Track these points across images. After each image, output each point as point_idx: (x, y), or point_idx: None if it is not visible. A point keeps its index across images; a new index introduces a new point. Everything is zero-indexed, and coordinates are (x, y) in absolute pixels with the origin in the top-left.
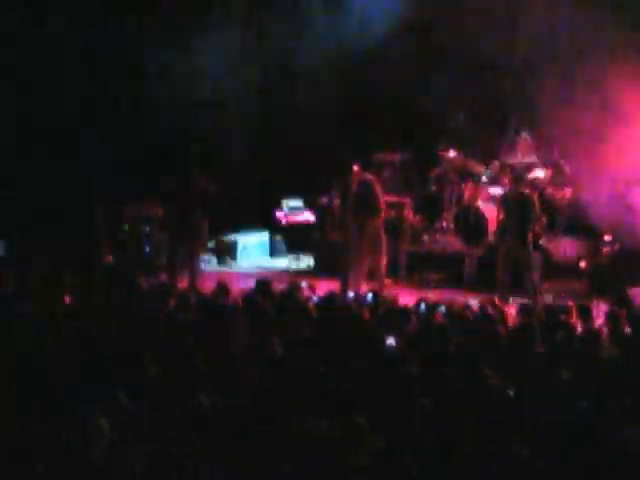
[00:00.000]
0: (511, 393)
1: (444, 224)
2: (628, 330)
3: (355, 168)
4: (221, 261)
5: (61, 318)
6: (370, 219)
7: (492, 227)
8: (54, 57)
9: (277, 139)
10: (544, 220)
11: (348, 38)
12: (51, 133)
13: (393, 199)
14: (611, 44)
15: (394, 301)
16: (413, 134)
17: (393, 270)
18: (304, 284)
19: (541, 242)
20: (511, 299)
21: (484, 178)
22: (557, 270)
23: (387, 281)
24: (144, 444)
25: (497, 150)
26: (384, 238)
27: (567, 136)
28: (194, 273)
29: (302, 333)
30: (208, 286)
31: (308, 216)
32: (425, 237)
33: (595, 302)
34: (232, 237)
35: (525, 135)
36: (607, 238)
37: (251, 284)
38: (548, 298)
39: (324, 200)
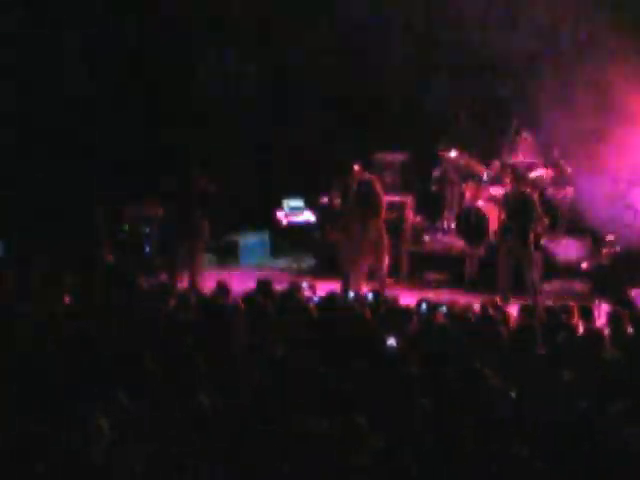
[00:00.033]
0: (512, 393)
1: (445, 224)
2: (630, 331)
3: (356, 168)
4: (221, 261)
5: (61, 318)
6: (372, 219)
7: (493, 227)
8: (54, 57)
9: (278, 139)
10: (545, 220)
11: (349, 37)
12: (51, 133)
13: (394, 199)
14: (612, 44)
15: (395, 301)
16: (414, 134)
17: (394, 270)
18: (305, 284)
19: (542, 242)
20: (512, 299)
21: (485, 178)
22: (558, 270)
23: (388, 281)
24: (144, 444)
25: (498, 150)
26: (386, 238)
27: (568, 136)
28: (194, 273)
29: (302, 333)
30: (208, 286)
31: (309, 216)
32: (426, 237)
33: (596, 303)
34: (232, 237)
35: (526, 135)
36: (609, 238)
37: (251, 284)
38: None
39: (325, 200)
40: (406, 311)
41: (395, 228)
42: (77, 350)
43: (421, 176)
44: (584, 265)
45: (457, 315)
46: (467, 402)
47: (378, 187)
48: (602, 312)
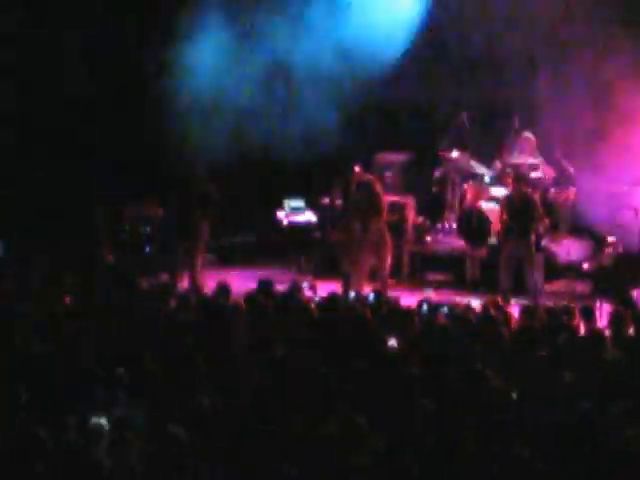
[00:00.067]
0: (513, 394)
1: (446, 225)
2: (631, 331)
3: (356, 169)
4: (221, 261)
5: (61, 318)
6: (373, 219)
7: (494, 228)
8: (54, 57)
9: (279, 138)
10: (547, 221)
11: (349, 39)
12: (51, 133)
13: (395, 200)
14: (612, 43)
15: (396, 302)
16: (415, 134)
17: (395, 271)
18: (305, 284)
19: (544, 243)
20: (513, 300)
21: (486, 178)
22: (560, 271)
23: (390, 281)
24: (144, 444)
25: (499, 150)
26: (389, 238)
27: (569, 136)
28: (195, 273)
29: (303, 333)
30: (209, 286)
31: (309, 216)
32: (427, 238)
33: (598, 303)
34: (233, 237)
35: (527, 135)
36: (610, 239)
37: (252, 284)
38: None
39: (326, 200)
40: (407, 312)
41: (396, 229)
42: (77, 350)
43: (422, 177)
44: (585, 266)
45: (458, 316)
46: (468, 403)
47: (378, 188)
48: (603, 313)
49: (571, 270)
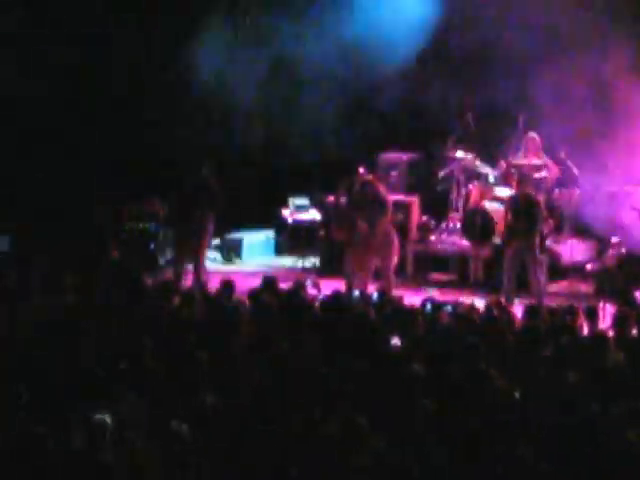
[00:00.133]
0: (517, 394)
1: (451, 224)
2: (635, 332)
3: (361, 170)
4: (226, 259)
5: (61, 318)
6: (379, 219)
7: (499, 228)
8: (54, 57)
9: (280, 138)
10: (551, 222)
11: (352, 38)
12: (51, 133)
13: (400, 199)
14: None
15: (400, 301)
16: (420, 134)
17: (400, 270)
18: (308, 282)
19: (548, 243)
20: (517, 300)
21: (491, 178)
22: (564, 272)
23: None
24: (145, 443)
25: (504, 150)
26: (396, 238)
27: (573, 136)
28: (199, 271)
29: (306, 333)
30: (213, 284)
31: (314, 214)
32: (432, 237)
33: (602, 304)
34: (237, 235)
35: (532, 135)
36: (614, 240)
37: (256, 282)
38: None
39: (330, 199)
40: (411, 311)
41: (401, 228)
42: (77, 350)
43: (427, 176)
44: (589, 266)
45: (462, 315)
46: (472, 403)
47: (381, 187)
48: (607, 313)
49: (575, 271)
